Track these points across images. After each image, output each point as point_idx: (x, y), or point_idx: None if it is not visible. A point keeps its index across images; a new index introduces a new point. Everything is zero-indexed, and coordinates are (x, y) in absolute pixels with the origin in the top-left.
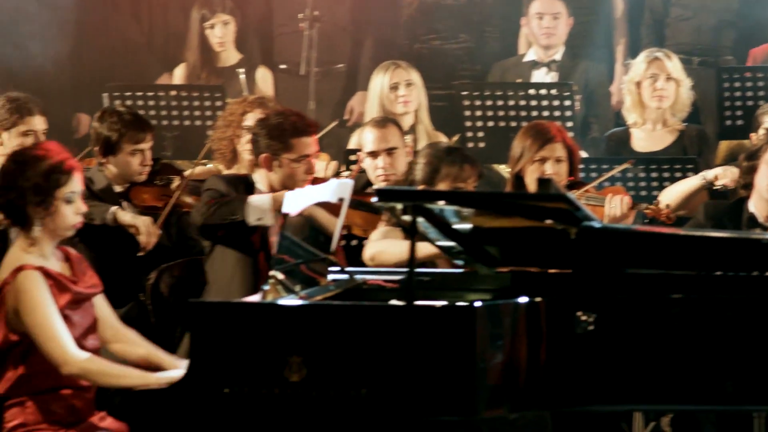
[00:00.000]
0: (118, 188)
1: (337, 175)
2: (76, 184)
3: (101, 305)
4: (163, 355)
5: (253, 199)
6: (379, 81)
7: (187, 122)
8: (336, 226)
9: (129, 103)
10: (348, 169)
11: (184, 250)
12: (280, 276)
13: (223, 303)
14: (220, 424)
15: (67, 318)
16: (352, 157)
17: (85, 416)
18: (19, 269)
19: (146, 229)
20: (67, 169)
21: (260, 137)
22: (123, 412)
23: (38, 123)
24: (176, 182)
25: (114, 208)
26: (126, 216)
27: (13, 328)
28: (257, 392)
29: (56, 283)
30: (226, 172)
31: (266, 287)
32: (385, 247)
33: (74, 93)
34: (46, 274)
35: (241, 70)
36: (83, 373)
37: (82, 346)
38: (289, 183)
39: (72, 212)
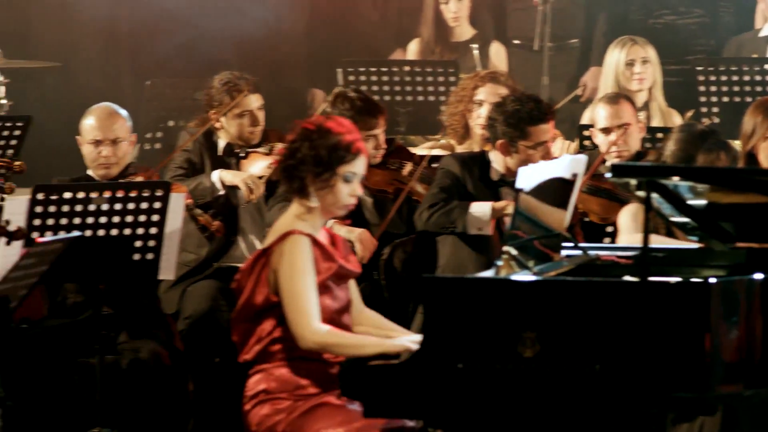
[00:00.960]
0: None
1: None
2: (358, 166)
3: (353, 288)
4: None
5: (474, 210)
6: (615, 57)
7: (420, 98)
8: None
9: (362, 78)
10: (581, 144)
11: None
12: (514, 251)
13: (457, 278)
14: (453, 400)
15: (329, 289)
16: (586, 133)
17: (326, 390)
18: (289, 233)
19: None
20: (354, 150)
21: (497, 123)
22: (355, 391)
23: (253, 101)
24: (408, 168)
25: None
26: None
27: (274, 290)
28: (491, 367)
29: (323, 253)
30: (458, 148)
31: (499, 263)
32: None
33: (309, 68)
34: (314, 242)
35: (475, 45)
36: (320, 347)
37: (338, 322)
38: None
39: (347, 192)
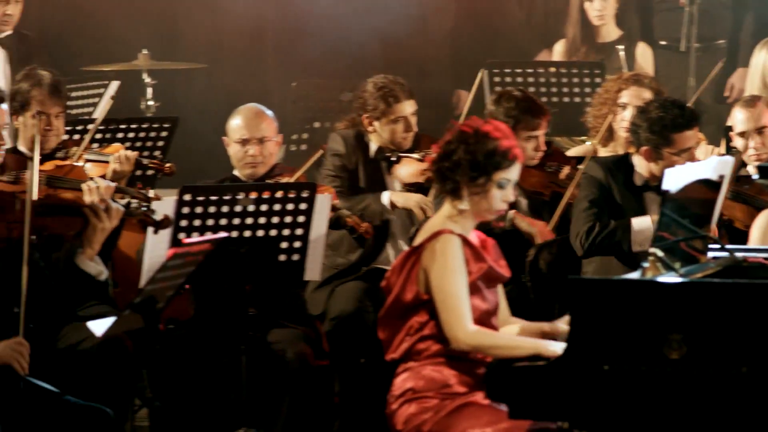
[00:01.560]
0: None
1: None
2: (513, 173)
3: (500, 293)
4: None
5: (636, 226)
6: (762, 58)
7: (566, 99)
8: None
9: (507, 79)
10: (728, 147)
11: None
12: (660, 253)
13: (603, 280)
14: (599, 401)
15: (479, 290)
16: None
17: (472, 389)
18: (440, 232)
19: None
20: (511, 157)
21: (640, 130)
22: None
23: (407, 107)
24: (565, 171)
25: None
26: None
27: (424, 288)
28: (636, 369)
29: (474, 253)
30: (602, 150)
31: (645, 264)
32: None
33: (453, 70)
34: (465, 242)
35: (621, 46)
36: (473, 348)
37: (487, 324)
38: None
39: (500, 198)
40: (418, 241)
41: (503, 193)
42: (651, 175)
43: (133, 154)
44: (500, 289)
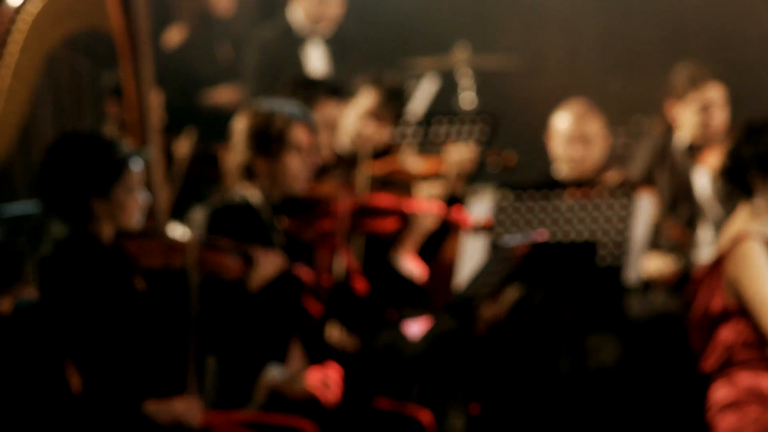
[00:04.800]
0: None
1: None
2: None
3: None
4: None
5: None
6: None
7: None
8: None
9: None
10: None
11: None
12: None
13: None
14: None
15: None
16: None
17: None
18: (740, 238)
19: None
20: None
21: None
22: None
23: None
24: None
25: None
26: None
27: (732, 298)
28: None
29: None
30: None
31: None
32: None
33: None
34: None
35: None
36: None
37: None
38: None
39: None
40: (720, 248)
41: None
42: None
43: (473, 149)
44: None
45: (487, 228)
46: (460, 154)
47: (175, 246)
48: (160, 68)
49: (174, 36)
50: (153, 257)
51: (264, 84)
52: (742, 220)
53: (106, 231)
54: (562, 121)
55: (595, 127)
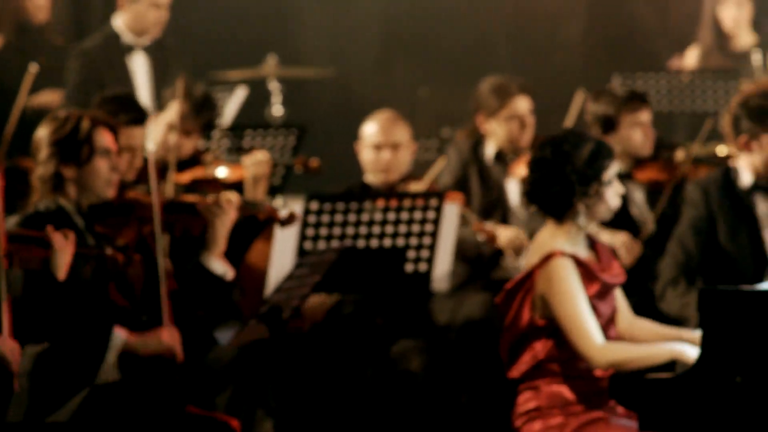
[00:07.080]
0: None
1: None
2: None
3: (618, 297)
4: (686, 334)
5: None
6: None
7: (698, 107)
8: None
9: (639, 82)
10: None
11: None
12: None
13: (735, 290)
14: (731, 414)
15: (593, 308)
16: None
17: (597, 404)
18: (551, 256)
19: (625, 248)
20: (609, 150)
21: (740, 120)
22: (631, 402)
23: (521, 103)
24: (680, 154)
25: None
26: (604, 235)
27: (540, 314)
28: None
29: (586, 272)
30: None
31: None
32: None
33: (584, 75)
34: (577, 262)
35: (757, 53)
36: (613, 365)
37: (606, 336)
38: None
39: (614, 194)
40: (530, 262)
41: (615, 187)
42: (757, 173)
43: (267, 155)
44: (618, 293)
45: (293, 222)
46: (253, 158)
47: None
48: None
49: None
50: None
51: (86, 93)
52: (550, 235)
53: None
54: (370, 130)
55: (403, 135)
